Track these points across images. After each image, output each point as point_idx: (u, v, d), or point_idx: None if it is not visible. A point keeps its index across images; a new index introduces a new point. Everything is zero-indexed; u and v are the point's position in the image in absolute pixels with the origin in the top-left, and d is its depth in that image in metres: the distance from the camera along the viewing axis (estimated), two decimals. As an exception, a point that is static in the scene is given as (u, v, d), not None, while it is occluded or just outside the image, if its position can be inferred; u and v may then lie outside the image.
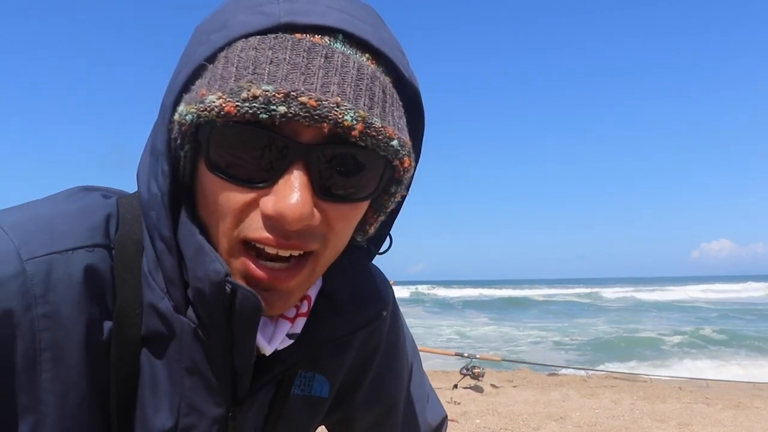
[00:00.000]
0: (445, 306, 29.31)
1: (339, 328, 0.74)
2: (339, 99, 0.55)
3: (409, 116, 0.66)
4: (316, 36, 0.58)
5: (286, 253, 0.60)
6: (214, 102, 0.54)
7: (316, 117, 0.54)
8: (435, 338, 13.88)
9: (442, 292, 47.09)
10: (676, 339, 12.91)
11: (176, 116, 0.58)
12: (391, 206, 0.69)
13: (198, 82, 0.59)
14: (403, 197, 0.70)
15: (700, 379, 7.79)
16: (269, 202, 0.57)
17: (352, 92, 0.56)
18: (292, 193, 0.56)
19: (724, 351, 11.51)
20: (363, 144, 0.57)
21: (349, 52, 0.58)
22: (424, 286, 58.01)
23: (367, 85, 0.58)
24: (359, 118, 0.55)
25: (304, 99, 0.53)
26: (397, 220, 0.74)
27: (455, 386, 6.60)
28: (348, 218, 0.63)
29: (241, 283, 0.59)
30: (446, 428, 1.04)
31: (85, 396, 0.63)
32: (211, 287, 0.59)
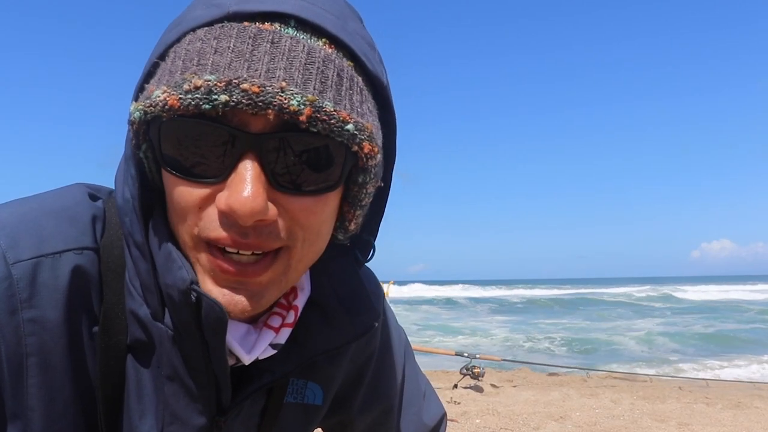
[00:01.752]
0: (508, 306, 27.76)
1: (331, 340, 0.72)
2: (284, 84, 0.52)
3: (381, 112, 0.64)
4: (266, 23, 0.56)
5: (247, 252, 0.58)
6: (158, 96, 0.53)
7: (260, 104, 0.51)
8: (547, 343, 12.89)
9: (477, 292, 45.74)
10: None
11: (131, 117, 0.57)
12: (366, 199, 0.65)
13: (151, 81, 0.58)
14: (381, 190, 0.68)
15: (699, 379, 7.79)
16: (222, 198, 0.55)
17: (300, 76, 0.54)
18: (243, 186, 0.53)
19: None
20: (315, 130, 0.54)
21: (300, 36, 0.56)
22: (458, 286, 56.69)
23: (318, 68, 0.55)
24: (307, 102, 0.53)
25: (245, 86, 0.51)
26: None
27: (455, 386, 6.60)
28: (314, 212, 0.59)
29: (205, 291, 0.58)
30: (445, 426, 1.03)
31: (71, 401, 0.62)
32: (178, 295, 0.58)
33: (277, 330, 0.67)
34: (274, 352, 0.67)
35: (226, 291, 0.59)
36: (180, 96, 0.52)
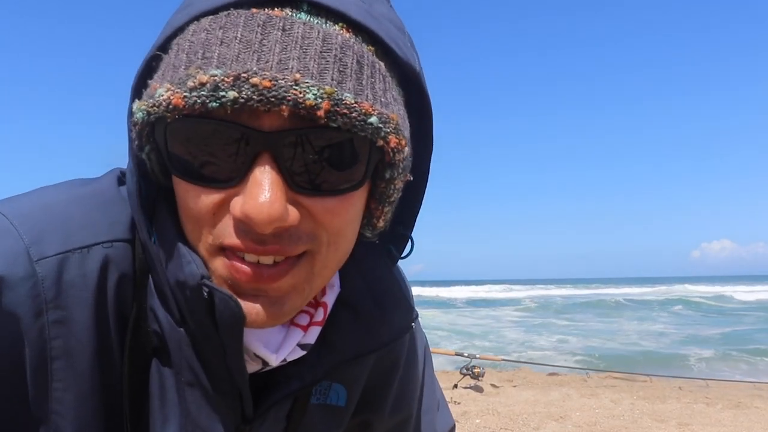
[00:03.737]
0: (559, 305, 26.69)
1: (364, 342, 0.66)
2: (298, 75, 0.48)
3: (416, 98, 0.59)
4: (275, 9, 0.51)
5: (267, 260, 0.53)
6: (162, 95, 0.49)
7: (272, 99, 0.47)
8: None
9: (479, 293, 44.78)
10: None
11: (134, 117, 0.52)
12: (395, 194, 0.60)
13: (155, 76, 0.53)
14: (417, 180, 0.63)
15: (699, 378, 7.79)
16: (237, 204, 0.50)
17: (315, 66, 0.49)
18: (260, 191, 0.49)
19: None
20: (334, 125, 0.49)
21: (315, 21, 0.51)
22: (483, 287, 55.52)
23: (336, 56, 0.50)
24: (324, 95, 0.48)
25: (255, 80, 0.47)
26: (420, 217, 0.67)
27: (455, 386, 6.60)
28: (338, 212, 0.54)
29: (218, 285, 0.53)
30: None
31: (98, 405, 0.58)
32: (190, 292, 0.54)
33: (305, 328, 0.63)
34: (303, 353, 0.63)
35: (246, 300, 0.54)
36: (185, 94, 0.47)
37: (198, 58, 0.49)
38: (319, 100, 0.48)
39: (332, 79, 0.49)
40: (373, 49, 0.54)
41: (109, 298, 0.58)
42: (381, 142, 0.52)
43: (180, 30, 0.53)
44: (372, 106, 0.51)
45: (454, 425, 1.00)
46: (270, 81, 0.47)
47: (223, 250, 0.54)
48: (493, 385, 6.83)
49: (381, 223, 0.63)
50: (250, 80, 0.47)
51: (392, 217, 0.65)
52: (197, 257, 0.54)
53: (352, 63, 0.51)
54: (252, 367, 0.61)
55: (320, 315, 0.64)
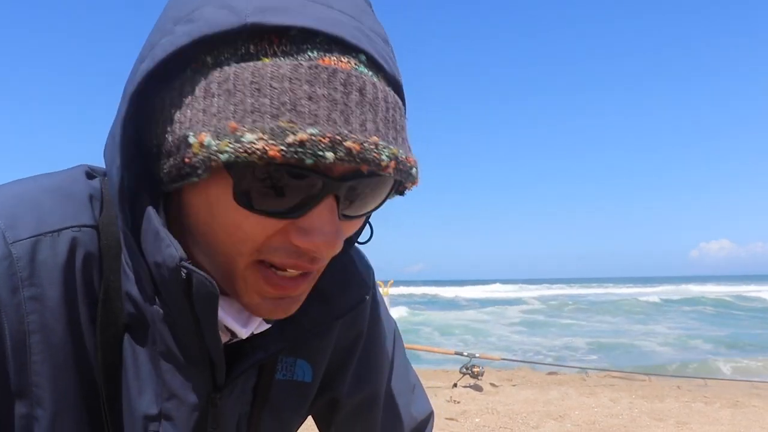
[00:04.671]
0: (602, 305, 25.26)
1: (322, 315, 0.73)
2: (376, 138, 0.53)
3: None
4: (342, 59, 0.55)
5: (295, 272, 0.61)
6: (255, 144, 0.50)
7: (359, 160, 0.52)
8: None
9: (483, 293, 44.19)
10: None
11: (197, 147, 0.53)
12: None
13: (190, 98, 0.54)
14: None
15: (698, 377, 7.82)
16: (301, 235, 0.56)
17: (383, 127, 0.55)
18: (326, 227, 0.56)
19: None
20: (393, 177, 0.57)
21: (370, 74, 0.56)
22: (460, 287, 55.22)
23: (392, 115, 0.56)
24: (392, 156, 0.55)
25: (348, 144, 0.51)
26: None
27: (455, 385, 6.62)
28: (354, 228, 0.64)
29: (197, 269, 0.58)
30: (432, 424, 1.02)
31: (74, 377, 0.63)
32: (168, 272, 0.58)
33: None
34: (269, 326, 0.69)
35: (269, 303, 0.62)
36: (282, 148, 0.50)
37: (287, 110, 0.51)
38: (389, 160, 0.54)
39: (393, 139, 0.56)
40: (390, 87, 0.59)
41: (77, 276, 0.63)
42: (410, 185, 0.62)
43: (203, 53, 0.55)
44: (414, 159, 0.59)
45: (433, 412, 1.02)
46: (359, 144, 0.52)
47: (259, 262, 0.60)
48: (492, 384, 6.85)
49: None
50: (344, 143, 0.51)
51: None
52: (176, 241, 0.59)
53: (399, 118, 0.58)
54: (222, 338, 0.66)
55: None
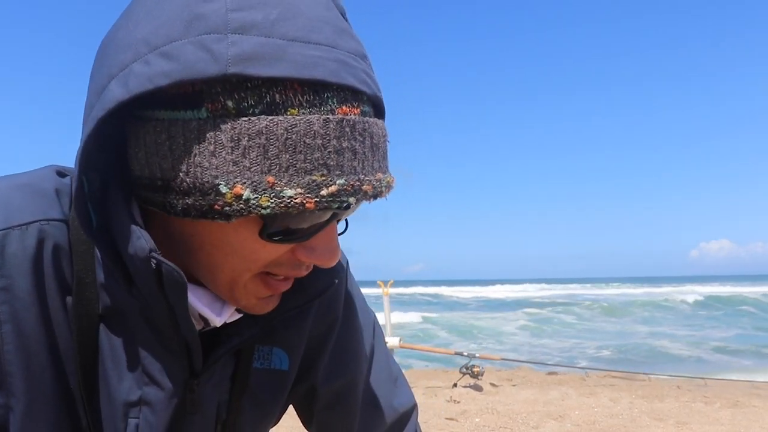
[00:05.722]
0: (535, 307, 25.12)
1: (294, 299, 0.76)
2: (381, 175, 0.60)
3: None
4: (355, 106, 0.58)
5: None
6: (294, 198, 0.55)
7: (370, 197, 0.60)
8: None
9: (485, 293, 44.08)
10: None
11: (230, 197, 0.55)
12: None
13: (213, 146, 0.54)
14: None
15: (698, 377, 7.83)
16: (308, 253, 0.63)
17: (382, 161, 0.62)
18: (331, 247, 0.63)
19: None
20: (381, 198, 0.62)
21: (371, 116, 0.62)
22: (535, 285, 54.50)
23: (383, 144, 0.62)
24: (388, 185, 0.62)
25: (366, 188, 0.58)
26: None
27: (455, 385, 6.63)
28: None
29: (165, 259, 0.60)
30: (416, 416, 1.02)
31: (47, 366, 0.65)
32: (140, 263, 0.61)
33: None
34: (241, 315, 0.72)
35: (262, 302, 0.68)
36: (317, 200, 0.56)
37: (319, 165, 0.56)
38: (386, 190, 0.62)
39: (386, 168, 0.63)
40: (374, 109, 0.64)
41: (46, 267, 0.66)
42: (383, 197, 0.67)
43: (269, 108, 0.54)
44: (393, 180, 0.64)
45: (416, 404, 1.03)
46: (371, 186, 0.59)
47: (263, 272, 0.65)
48: (492, 384, 6.86)
49: None
50: (362, 188, 0.58)
51: None
52: (145, 232, 0.61)
53: (386, 146, 0.63)
54: (196, 325, 0.69)
55: None
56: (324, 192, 0.56)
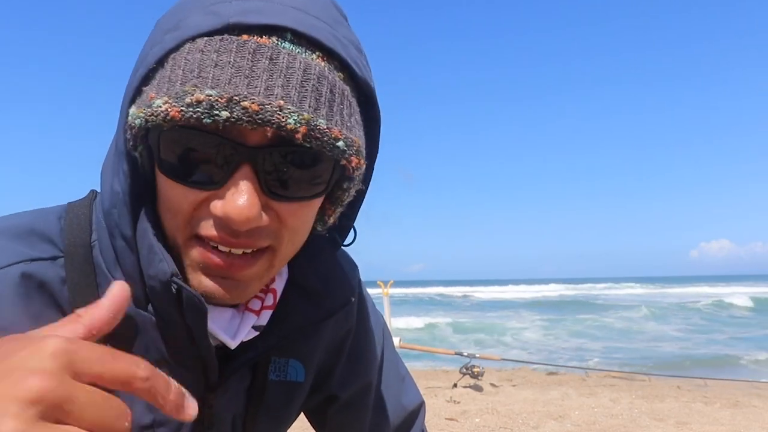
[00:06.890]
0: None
1: (310, 314, 0.75)
2: (282, 102, 0.55)
3: (366, 113, 0.67)
4: (264, 36, 0.58)
5: (238, 251, 0.62)
6: (160, 107, 0.55)
7: (259, 121, 0.55)
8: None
9: (488, 293, 43.52)
10: None
11: (129, 118, 0.59)
12: (348, 198, 0.70)
13: (150, 84, 0.59)
14: (361, 191, 0.72)
15: (698, 377, 7.82)
16: (218, 205, 0.59)
17: (296, 94, 0.57)
18: (240, 196, 0.57)
19: None
20: (308, 145, 0.58)
21: (297, 51, 0.59)
22: (552, 285, 53.99)
23: (313, 85, 0.58)
24: (303, 121, 0.56)
25: (246, 104, 0.54)
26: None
27: (455, 385, 6.63)
28: (300, 215, 0.64)
29: (194, 283, 0.61)
30: (424, 414, 1.05)
31: None
32: (160, 285, 0.61)
33: (257, 313, 0.71)
34: (257, 333, 0.71)
35: (214, 282, 0.63)
36: (181, 108, 0.54)
37: (194, 77, 0.56)
38: (298, 125, 0.56)
39: (309, 106, 0.57)
40: (342, 75, 0.62)
41: (37, 304, 0.64)
42: (344, 162, 0.61)
43: (175, 48, 0.59)
44: (340, 132, 0.59)
45: (423, 402, 1.05)
46: (258, 105, 0.54)
47: (198, 239, 0.62)
48: (492, 384, 6.86)
49: (331, 220, 0.73)
50: (241, 103, 0.54)
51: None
52: (168, 256, 0.62)
53: (326, 92, 0.59)
54: (212, 342, 0.69)
55: (270, 300, 0.73)
56: (188, 99, 0.54)
